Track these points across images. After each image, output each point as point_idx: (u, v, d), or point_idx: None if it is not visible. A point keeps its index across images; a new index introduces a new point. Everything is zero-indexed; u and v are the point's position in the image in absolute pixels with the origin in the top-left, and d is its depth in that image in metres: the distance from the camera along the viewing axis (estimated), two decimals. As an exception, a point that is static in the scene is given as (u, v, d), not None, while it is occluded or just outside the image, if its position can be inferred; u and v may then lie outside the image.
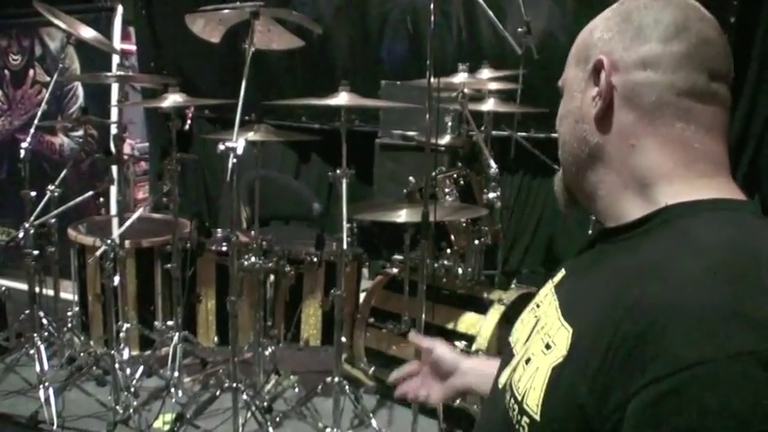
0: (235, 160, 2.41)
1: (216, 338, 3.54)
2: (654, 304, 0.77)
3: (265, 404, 3.02)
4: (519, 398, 0.91)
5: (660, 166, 0.93)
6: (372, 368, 3.28)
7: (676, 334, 0.73)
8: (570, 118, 1.01)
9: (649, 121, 0.93)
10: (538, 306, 1.11)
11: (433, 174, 3.05)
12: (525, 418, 0.89)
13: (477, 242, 3.15)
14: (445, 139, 3.35)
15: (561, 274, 1.13)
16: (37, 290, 3.43)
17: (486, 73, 3.33)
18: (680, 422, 0.70)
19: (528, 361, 0.94)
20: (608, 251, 0.96)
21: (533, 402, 0.88)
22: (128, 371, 3.26)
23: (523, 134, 3.78)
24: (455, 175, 3.15)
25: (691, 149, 0.92)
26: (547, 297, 1.10)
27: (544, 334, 0.95)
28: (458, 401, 2.87)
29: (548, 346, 0.91)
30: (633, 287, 0.80)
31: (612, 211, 0.98)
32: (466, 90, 3.01)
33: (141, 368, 3.37)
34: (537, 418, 0.87)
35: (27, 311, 3.44)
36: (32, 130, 3.32)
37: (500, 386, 1.05)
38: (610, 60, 0.93)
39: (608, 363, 0.78)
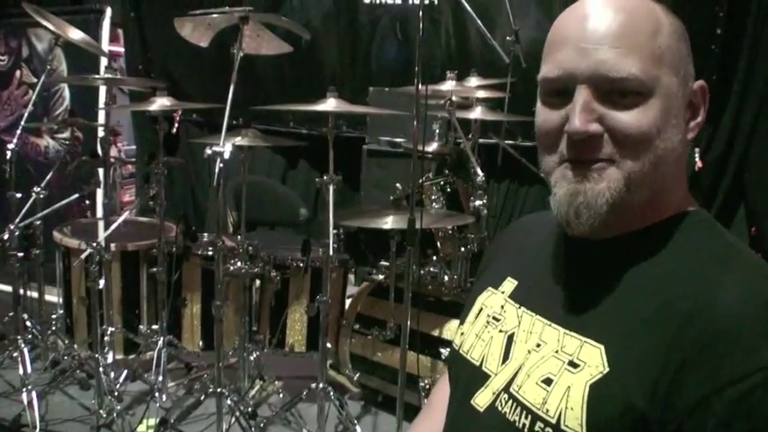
0: (222, 165, 2.41)
1: (201, 343, 3.52)
2: (716, 314, 0.83)
3: (250, 409, 3.01)
4: (553, 420, 0.90)
5: (680, 187, 1.00)
6: (357, 374, 3.28)
7: (751, 337, 0.80)
8: (675, 134, 0.94)
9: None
10: (496, 320, 1.09)
11: (420, 181, 3.06)
12: None
13: (463, 249, 3.15)
14: (432, 147, 3.36)
15: (510, 283, 1.12)
16: (21, 292, 3.41)
17: (474, 81, 3.34)
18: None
19: (548, 381, 0.93)
20: (616, 262, 0.96)
21: (575, 422, 0.87)
22: (112, 375, 3.24)
23: (510, 142, 3.80)
24: (442, 183, 3.16)
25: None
26: (507, 310, 1.08)
27: (556, 352, 0.95)
28: None
29: (573, 365, 0.91)
30: (681, 298, 0.86)
31: (628, 225, 0.97)
32: (454, 98, 3.02)
33: (125, 372, 3.34)
34: None
35: (11, 314, 3.41)
36: (19, 132, 3.31)
37: (479, 408, 1.02)
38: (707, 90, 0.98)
39: (671, 370, 0.82)
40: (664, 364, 0.83)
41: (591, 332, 0.92)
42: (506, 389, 0.98)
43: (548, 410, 0.91)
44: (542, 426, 0.91)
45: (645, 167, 0.91)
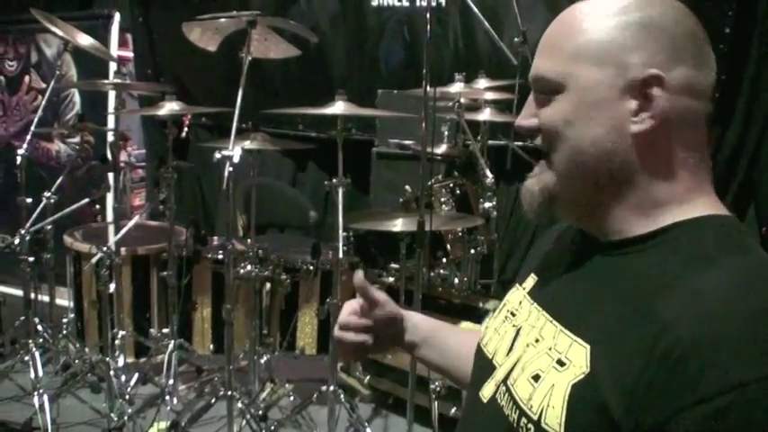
0: (231, 168, 2.42)
1: (211, 346, 3.54)
2: (694, 324, 0.79)
3: (260, 412, 3.02)
4: (535, 417, 0.89)
5: (677, 189, 0.94)
6: (368, 377, 3.28)
7: (723, 354, 0.76)
8: (594, 126, 0.93)
9: (684, 147, 0.94)
10: (513, 315, 1.10)
11: (430, 183, 3.06)
12: None
13: (473, 251, 3.15)
14: (442, 149, 3.36)
15: (531, 279, 1.13)
16: (32, 296, 3.43)
17: (482, 83, 3.34)
18: None
19: (537, 378, 0.92)
20: (614, 264, 0.95)
21: (554, 421, 0.87)
22: (123, 378, 3.26)
23: (520, 144, 3.78)
24: (451, 185, 3.16)
25: (702, 173, 0.96)
26: (523, 306, 1.09)
27: (549, 349, 0.94)
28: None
29: (561, 363, 0.91)
30: (662, 304, 0.83)
31: (615, 227, 0.96)
32: (462, 100, 3.02)
33: (136, 375, 3.35)
34: None
35: (22, 318, 3.43)
36: (29, 137, 3.32)
37: (484, 399, 1.03)
38: (664, 80, 0.90)
39: (645, 380, 0.80)
40: (639, 372, 0.80)
41: (581, 331, 0.91)
42: (504, 381, 0.99)
43: (531, 406, 0.90)
44: (526, 422, 0.91)
45: (561, 158, 0.96)
